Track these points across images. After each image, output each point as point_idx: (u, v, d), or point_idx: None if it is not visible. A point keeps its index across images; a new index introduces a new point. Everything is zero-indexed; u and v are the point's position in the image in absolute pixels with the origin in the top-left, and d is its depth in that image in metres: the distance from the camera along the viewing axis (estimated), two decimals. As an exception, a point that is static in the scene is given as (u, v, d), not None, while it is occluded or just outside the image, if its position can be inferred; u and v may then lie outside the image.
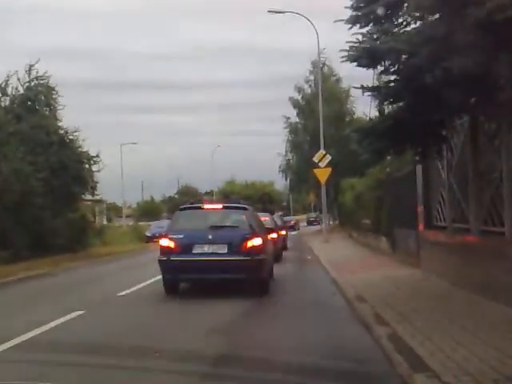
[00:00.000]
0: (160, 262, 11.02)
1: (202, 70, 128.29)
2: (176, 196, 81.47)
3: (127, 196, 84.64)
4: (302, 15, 29.62)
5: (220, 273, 10.66)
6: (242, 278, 10.82)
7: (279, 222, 25.68)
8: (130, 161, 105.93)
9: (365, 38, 7.48)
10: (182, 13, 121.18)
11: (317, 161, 29.00)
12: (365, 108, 47.02)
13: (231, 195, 59.84)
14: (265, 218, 18.78)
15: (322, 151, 29.35)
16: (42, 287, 14.34)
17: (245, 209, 11.92)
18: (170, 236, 11.02)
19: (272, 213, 33.13)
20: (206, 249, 10.75)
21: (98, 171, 27.05)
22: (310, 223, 64.48)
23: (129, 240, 38.09)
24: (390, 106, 10.91)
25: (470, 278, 9.40)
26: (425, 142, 9.69)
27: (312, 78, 43.81)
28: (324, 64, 42.85)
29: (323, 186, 29.11)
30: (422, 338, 5.97)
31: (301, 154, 43.40)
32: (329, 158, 29.01)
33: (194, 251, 10.72)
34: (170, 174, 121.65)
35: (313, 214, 66.54)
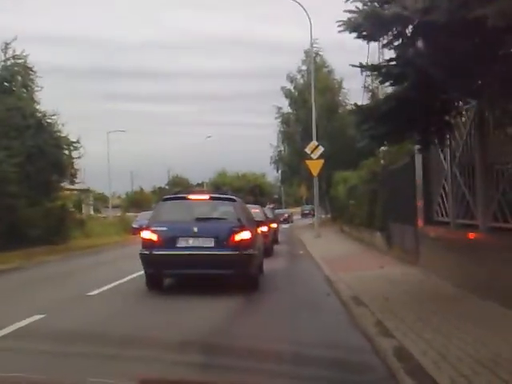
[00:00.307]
0: (142, 255, 10.38)
1: (195, 60, 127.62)
2: (166, 187, 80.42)
3: (117, 186, 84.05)
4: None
5: (206, 268, 10.06)
6: (230, 274, 10.29)
7: (270, 215, 24.95)
8: (121, 151, 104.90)
9: (365, 7, 6.55)
10: (175, 1, 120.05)
11: (309, 152, 28.29)
12: (357, 100, 46.06)
13: (222, 186, 59.03)
14: (255, 210, 18.27)
15: (314, 142, 28.60)
16: (8, 283, 13.32)
17: (233, 200, 11.22)
18: (153, 228, 10.36)
19: (263, 205, 32.57)
20: (191, 242, 10.14)
21: (79, 157, 25.77)
22: (304, 216, 64.34)
23: (114, 231, 36.93)
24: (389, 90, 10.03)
25: (475, 280, 8.57)
26: (427, 129, 8.82)
27: (304, 67, 42.94)
28: (317, 54, 41.99)
29: (315, 178, 28.29)
30: (435, 354, 5.08)
31: (293, 146, 42.57)
32: (321, 149, 28.24)
33: (178, 245, 10.12)
34: (160, 164, 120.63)
35: (307, 207, 66.12)
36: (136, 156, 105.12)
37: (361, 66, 9.23)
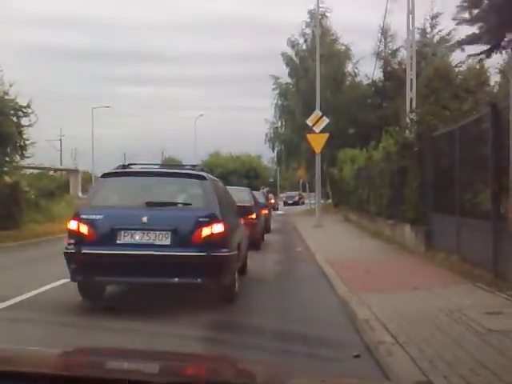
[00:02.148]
0: (67, 255, 7.44)
1: (195, 42, 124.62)
2: (159, 168, 76.41)
3: (111, 167, 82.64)
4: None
5: (159, 275, 7.26)
6: (194, 284, 7.30)
7: (261, 200, 20.84)
8: (117, 133, 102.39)
9: None
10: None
11: (311, 124, 23.73)
12: (367, 70, 40.64)
13: (215, 168, 54.74)
14: (242, 193, 16.03)
15: (317, 112, 23.82)
16: None
17: (202, 178, 7.99)
18: (84, 216, 7.48)
19: (257, 189, 28.46)
20: (138, 238, 7.31)
21: (30, 126, 20.88)
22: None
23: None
24: None
25: None
26: None
27: (308, 31, 37.50)
28: (323, 15, 36.43)
29: (318, 155, 23.37)
30: None
31: (292, 121, 37.32)
32: (326, 120, 23.55)
33: (118, 241, 7.31)
34: (155, 146, 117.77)
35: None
36: (131, 138, 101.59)
37: None
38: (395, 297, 7.34)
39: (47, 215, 26.27)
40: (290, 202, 60.97)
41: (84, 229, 7.38)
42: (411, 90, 17.72)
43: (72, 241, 7.44)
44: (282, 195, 70.94)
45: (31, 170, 40.72)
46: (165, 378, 1.97)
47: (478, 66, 15.16)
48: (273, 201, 42.97)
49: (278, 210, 45.56)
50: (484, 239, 8.11)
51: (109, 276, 7.41)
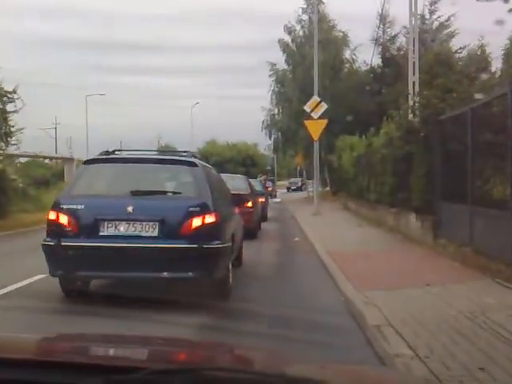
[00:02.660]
0: (45, 247, 6.95)
1: (194, 33, 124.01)
2: (155, 156, 76.43)
3: None
4: None
5: (146, 270, 6.83)
6: (185, 279, 6.93)
7: (258, 188, 20.57)
8: (114, 122, 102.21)
9: None
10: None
11: (308, 110, 22.93)
12: (365, 56, 39.79)
13: (211, 156, 54.14)
14: (238, 181, 15.73)
15: (315, 98, 23.07)
16: None
17: (193, 165, 7.45)
18: (64, 206, 6.99)
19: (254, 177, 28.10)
20: (123, 229, 6.86)
21: (15, 112, 20.18)
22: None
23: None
24: None
25: None
26: None
27: (305, 17, 36.64)
28: (320, 1, 35.49)
29: (316, 142, 22.64)
30: None
31: (289, 108, 36.56)
32: (324, 106, 22.76)
33: (102, 232, 6.86)
34: (152, 134, 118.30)
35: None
36: (129, 127, 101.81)
37: None
38: (405, 294, 6.63)
39: (37, 204, 25.49)
40: (294, 187, 65.90)
41: (64, 219, 6.91)
42: (414, 73, 17.00)
43: (51, 232, 7.00)
44: (285, 182, 74.15)
45: (26, 159, 39.89)
46: (156, 364, 1.81)
47: (479, 52, 14.61)
48: (270, 188, 42.61)
49: (275, 197, 45.05)
50: (502, 230, 7.40)
51: (91, 270, 6.97)
